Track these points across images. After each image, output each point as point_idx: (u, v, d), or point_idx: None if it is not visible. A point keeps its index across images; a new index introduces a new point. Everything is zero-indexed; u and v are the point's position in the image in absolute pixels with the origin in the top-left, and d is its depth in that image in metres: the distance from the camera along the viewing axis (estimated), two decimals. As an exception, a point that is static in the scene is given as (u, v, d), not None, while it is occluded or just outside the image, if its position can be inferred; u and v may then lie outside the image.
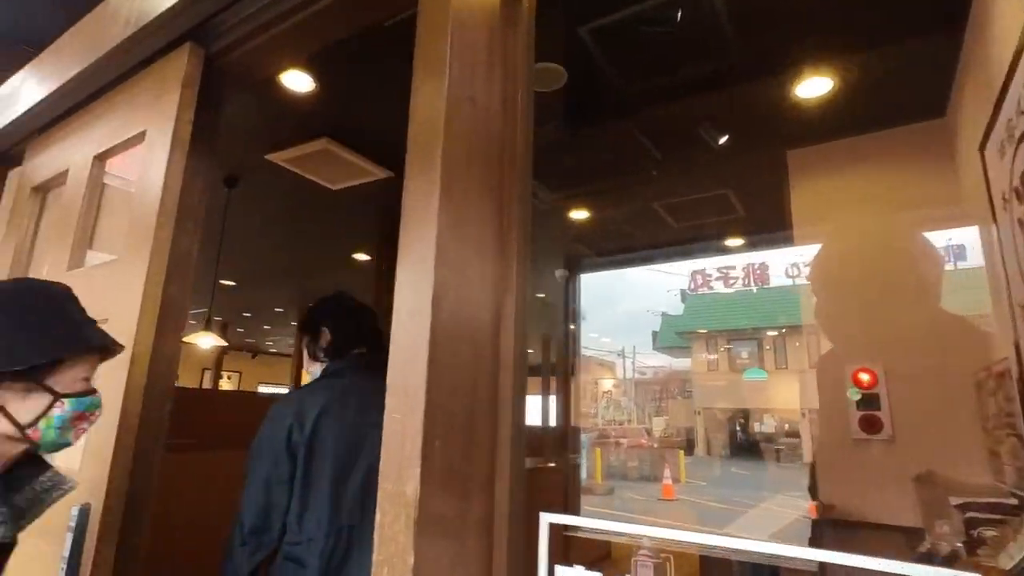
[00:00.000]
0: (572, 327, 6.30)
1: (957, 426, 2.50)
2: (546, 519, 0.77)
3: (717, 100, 2.68)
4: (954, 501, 2.15)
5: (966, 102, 2.31)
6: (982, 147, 1.96)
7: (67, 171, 1.96)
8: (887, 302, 2.74)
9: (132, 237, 1.55)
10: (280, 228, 4.90)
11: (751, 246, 4.86)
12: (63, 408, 0.87)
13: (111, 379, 1.42)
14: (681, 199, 3.91)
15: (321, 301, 1.81)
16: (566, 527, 0.78)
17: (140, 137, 1.69)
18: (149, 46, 1.71)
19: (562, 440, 5.60)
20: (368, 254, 5.47)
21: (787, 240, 4.23)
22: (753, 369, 10.81)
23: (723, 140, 2.48)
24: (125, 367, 1.40)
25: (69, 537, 1.35)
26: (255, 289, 7.23)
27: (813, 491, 3.20)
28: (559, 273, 5.88)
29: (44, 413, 0.85)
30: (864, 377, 2.70)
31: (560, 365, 6.15)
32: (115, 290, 1.53)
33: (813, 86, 2.57)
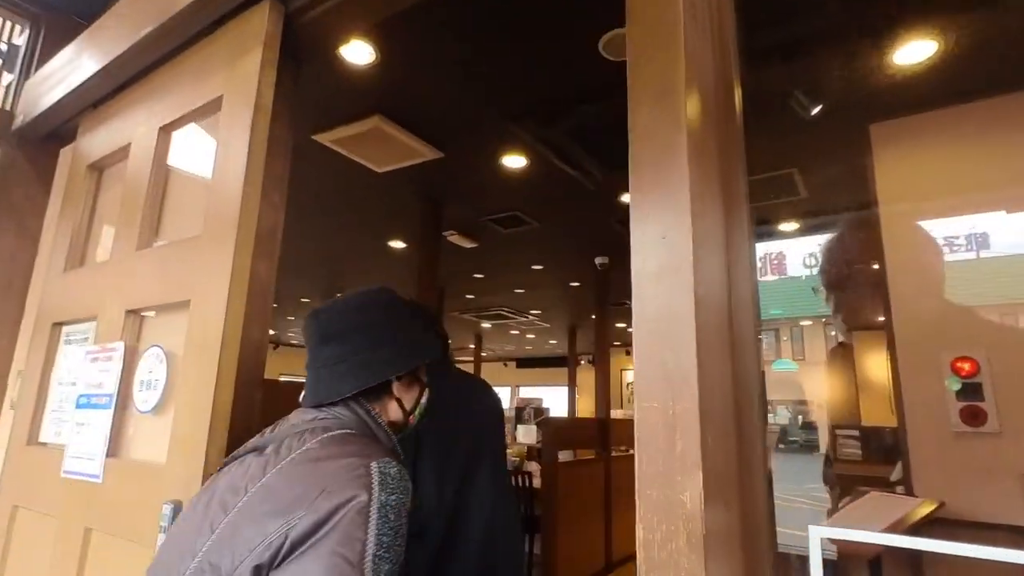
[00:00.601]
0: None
1: (1073, 418, 2.31)
2: (816, 532, 0.62)
3: (803, 66, 2.48)
4: None
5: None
6: None
7: (128, 146, 1.83)
8: (986, 284, 2.54)
9: (214, 212, 1.41)
10: (314, 213, 4.77)
11: (808, 230, 4.65)
12: (426, 396, 0.99)
13: (200, 366, 1.29)
14: (749, 177, 3.71)
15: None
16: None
17: (216, 104, 1.54)
18: (224, 4, 1.56)
19: (601, 432, 5.45)
20: (404, 241, 5.33)
21: (865, 224, 4.02)
22: (781, 360, 10.55)
23: (817, 110, 2.30)
24: (215, 353, 1.26)
25: (160, 538, 1.22)
26: (281, 278, 7.15)
27: (827, 479, 3.14)
28: (600, 261, 5.70)
29: (419, 400, 0.96)
30: (964, 365, 2.51)
31: (595, 354, 6.00)
32: (198, 270, 1.39)
33: (914, 51, 2.37)
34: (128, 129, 1.86)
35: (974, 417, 2.50)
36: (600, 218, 4.55)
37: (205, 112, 1.62)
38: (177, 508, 1.23)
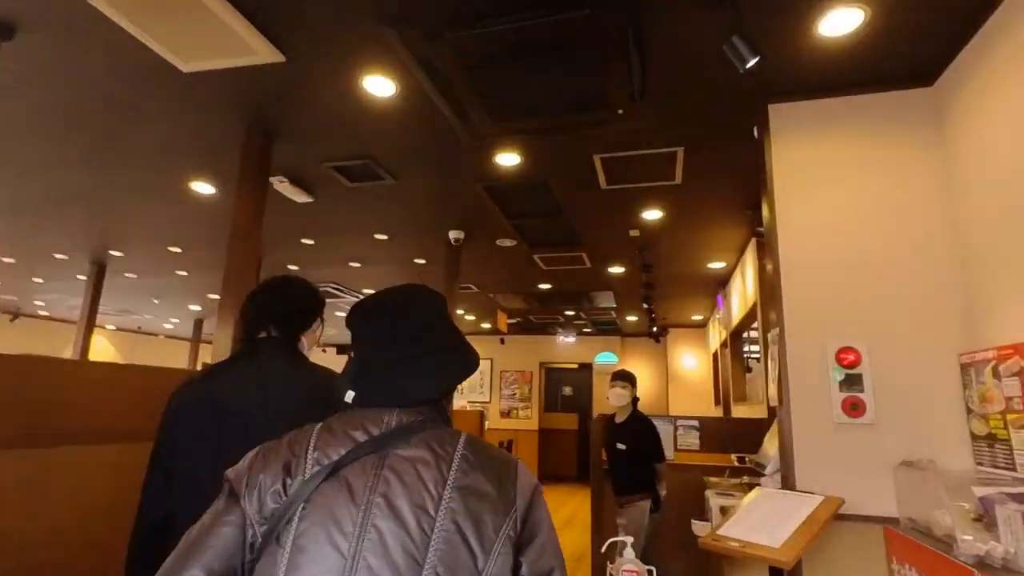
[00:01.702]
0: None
1: (940, 409, 2.37)
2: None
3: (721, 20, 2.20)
4: (979, 492, 1.98)
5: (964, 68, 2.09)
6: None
7: None
8: (870, 276, 2.54)
9: None
10: (76, 127, 3.44)
11: (669, 220, 4.62)
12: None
13: None
14: (628, 153, 3.45)
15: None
16: None
17: None
18: None
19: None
20: (213, 184, 4.18)
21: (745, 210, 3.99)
22: (604, 353, 11.11)
23: (754, 62, 2.03)
24: None
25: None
26: (18, 221, 5.29)
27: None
28: (454, 235, 5.13)
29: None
30: (848, 356, 2.47)
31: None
32: None
33: (840, 21, 2.22)
34: None
35: (854, 408, 2.48)
36: (465, 179, 3.98)
37: None
38: None
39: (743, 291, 5.59)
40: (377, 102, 2.97)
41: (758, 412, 5.22)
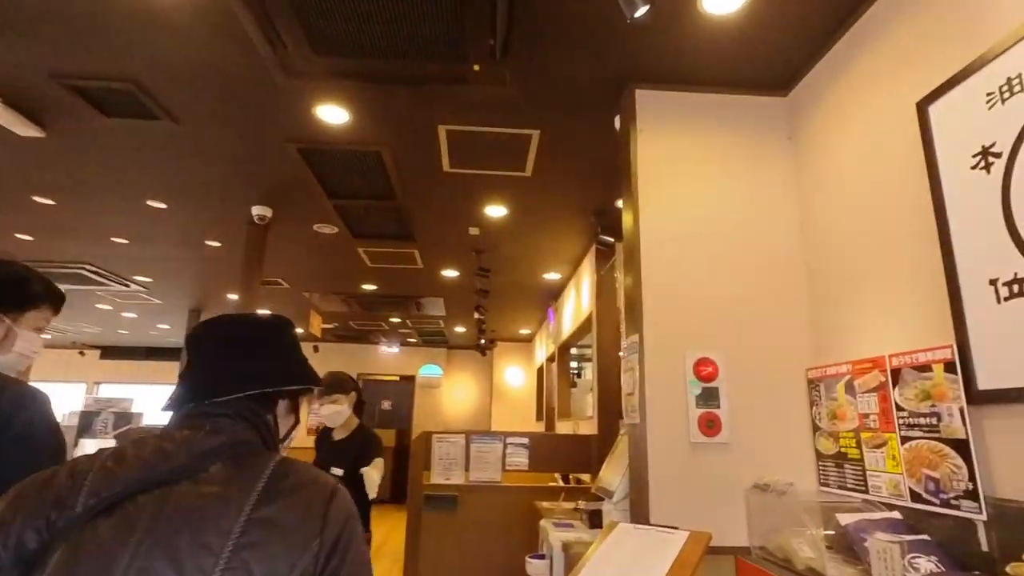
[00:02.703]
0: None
1: (790, 427, 2.24)
2: None
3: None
4: (845, 520, 1.81)
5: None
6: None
7: None
8: (727, 282, 2.37)
9: None
10: None
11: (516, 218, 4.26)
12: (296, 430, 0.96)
13: None
14: (478, 129, 2.97)
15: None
16: None
17: None
18: None
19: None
20: None
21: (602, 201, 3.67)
22: (429, 365, 10.58)
23: (644, 10, 1.68)
24: None
25: None
26: None
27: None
28: (258, 212, 4.18)
29: (291, 432, 0.94)
30: (706, 368, 2.25)
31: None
32: None
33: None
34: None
35: (710, 426, 2.25)
36: (275, 137, 3.16)
37: None
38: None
39: (577, 304, 5.48)
40: (143, -9, 2.09)
41: (585, 428, 5.09)
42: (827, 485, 2.10)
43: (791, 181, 2.48)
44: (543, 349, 8.43)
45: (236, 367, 0.84)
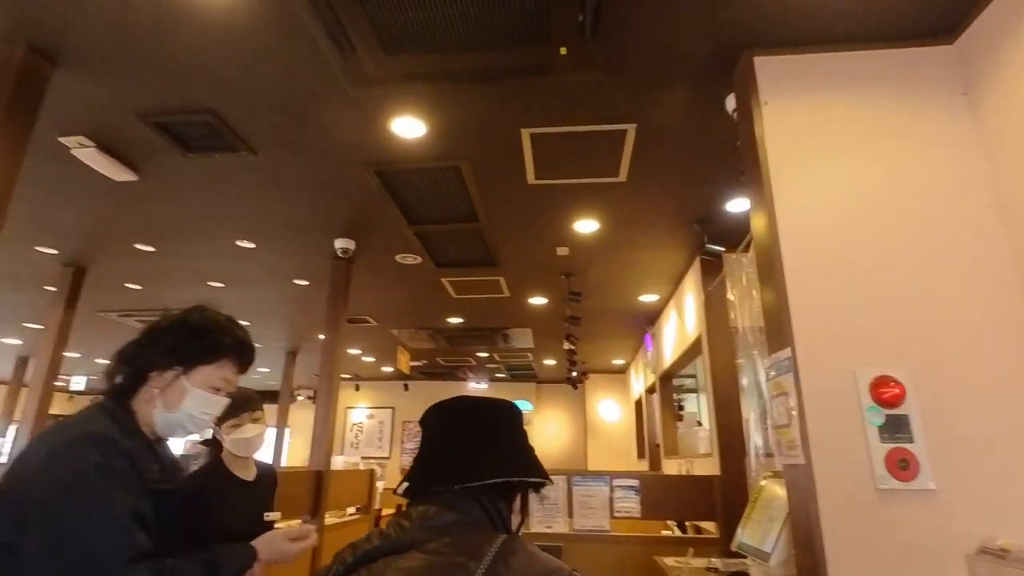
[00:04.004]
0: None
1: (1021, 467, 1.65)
2: None
3: None
4: None
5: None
6: None
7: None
8: (906, 278, 1.84)
9: None
10: None
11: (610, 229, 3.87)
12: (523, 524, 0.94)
13: None
14: (566, 129, 2.65)
15: None
16: None
17: None
18: None
19: (316, 490, 3.72)
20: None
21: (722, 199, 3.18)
22: (519, 401, 10.17)
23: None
24: None
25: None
26: None
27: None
28: (341, 245, 4.08)
29: (520, 526, 0.91)
30: (889, 390, 1.72)
31: (321, 385, 4.26)
32: None
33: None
34: None
35: (903, 466, 1.71)
36: (351, 159, 3.01)
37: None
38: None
39: (680, 327, 4.94)
40: (216, 8, 1.98)
41: (701, 468, 4.47)
42: (1095, 551, 1.48)
43: (972, 149, 1.93)
44: (640, 380, 7.82)
45: (478, 454, 0.84)
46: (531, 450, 0.89)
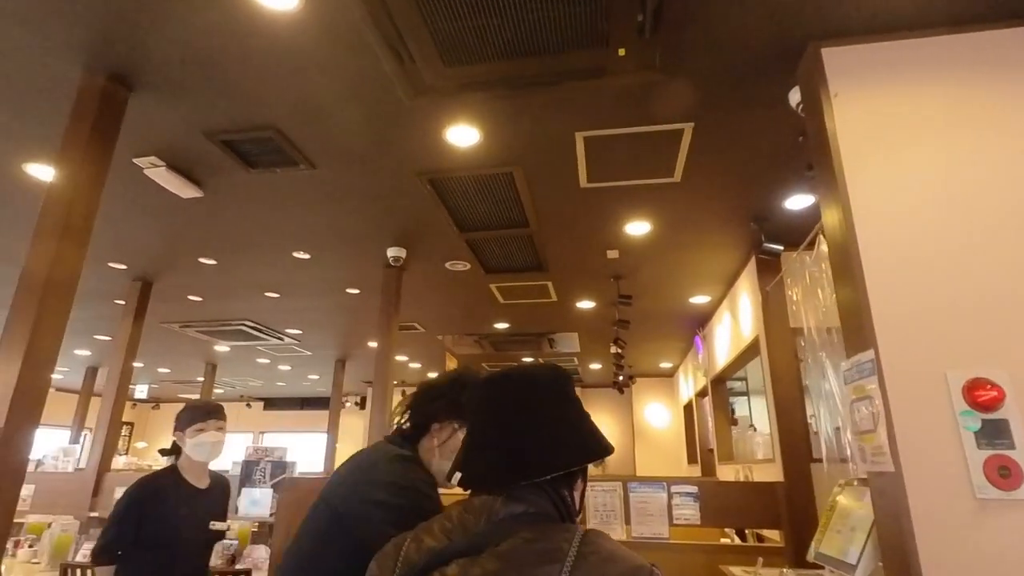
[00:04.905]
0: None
1: None
2: None
3: None
4: None
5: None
6: None
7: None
8: (1000, 270, 1.74)
9: None
10: None
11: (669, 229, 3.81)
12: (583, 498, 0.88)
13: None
14: (622, 131, 2.63)
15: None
16: None
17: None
18: None
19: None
20: (44, 160, 3.08)
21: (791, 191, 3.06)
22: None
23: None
24: None
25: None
26: None
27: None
28: (393, 253, 4.15)
29: (581, 501, 0.85)
30: (986, 392, 1.62)
31: (375, 390, 4.34)
32: None
33: None
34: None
35: (1005, 474, 1.61)
36: (406, 169, 3.05)
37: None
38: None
39: (735, 328, 4.81)
40: (279, 26, 2.04)
41: (760, 474, 4.33)
42: None
43: (1070, 130, 1.80)
44: (689, 383, 7.66)
45: (539, 445, 0.77)
46: (587, 421, 0.83)
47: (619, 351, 6.26)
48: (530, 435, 0.78)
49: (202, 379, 9.43)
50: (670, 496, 3.69)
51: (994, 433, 1.58)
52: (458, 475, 0.79)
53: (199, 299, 5.48)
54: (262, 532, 3.96)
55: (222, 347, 7.74)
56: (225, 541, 3.51)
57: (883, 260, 1.80)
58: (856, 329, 1.83)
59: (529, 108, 2.49)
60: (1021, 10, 1.91)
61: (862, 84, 1.99)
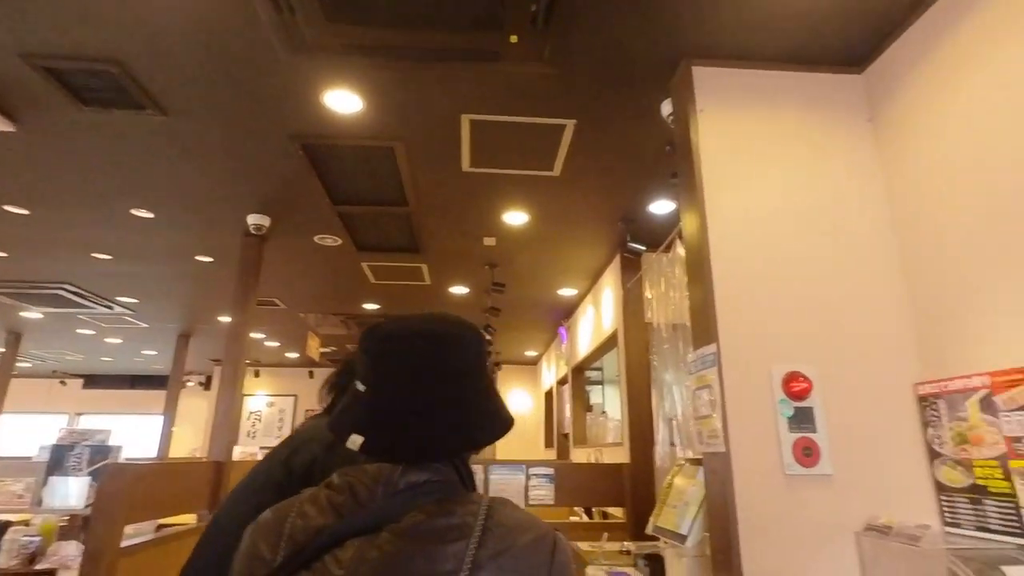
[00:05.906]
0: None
1: (899, 455, 1.87)
2: None
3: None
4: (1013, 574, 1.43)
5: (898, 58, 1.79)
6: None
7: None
8: (814, 279, 2.03)
9: None
10: None
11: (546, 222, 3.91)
12: None
13: None
14: (507, 119, 2.65)
15: None
16: None
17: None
18: None
19: (216, 484, 3.46)
20: None
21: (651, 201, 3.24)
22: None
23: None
24: None
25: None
26: None
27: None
28: (255, 221, 3.82)
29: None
30: (798, 384, 1.88)
31: (225, 369, 3.99)
32: None
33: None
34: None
35: (807, 454, 1.88)
36: (277, 131, 2.82)
37: None
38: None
39: (597, 321, 5.12)
40: (125, -59, 1.75)
41: (609, 456, 4.67)
42: (956, 525, 1.72)
43: (874, 170, 2.15)
44: (552, 371, 8.03)
45: (451, 422, 0.71)
46: (497, 394, 0.77)
47: (489, 338, 6.37)
48: (455, 409, 0.71)
49: (1, 350, 7.98)
50: (528, 478, 3.84)
51: (802, 419, 1.85)
52: (356, 439, 0.69)
53: (3, 254, 4.61)
54: (74, 527, 3.44)
55: (33, 314, 6.60)
56: (22, 538, 3.01)
57: (728, 265, 2.02)
58: (703, 325, 2.03)
59: (417, 82, 2.41)
60: (841, 59, 2.23)
61: (726, 103, 2.21)
